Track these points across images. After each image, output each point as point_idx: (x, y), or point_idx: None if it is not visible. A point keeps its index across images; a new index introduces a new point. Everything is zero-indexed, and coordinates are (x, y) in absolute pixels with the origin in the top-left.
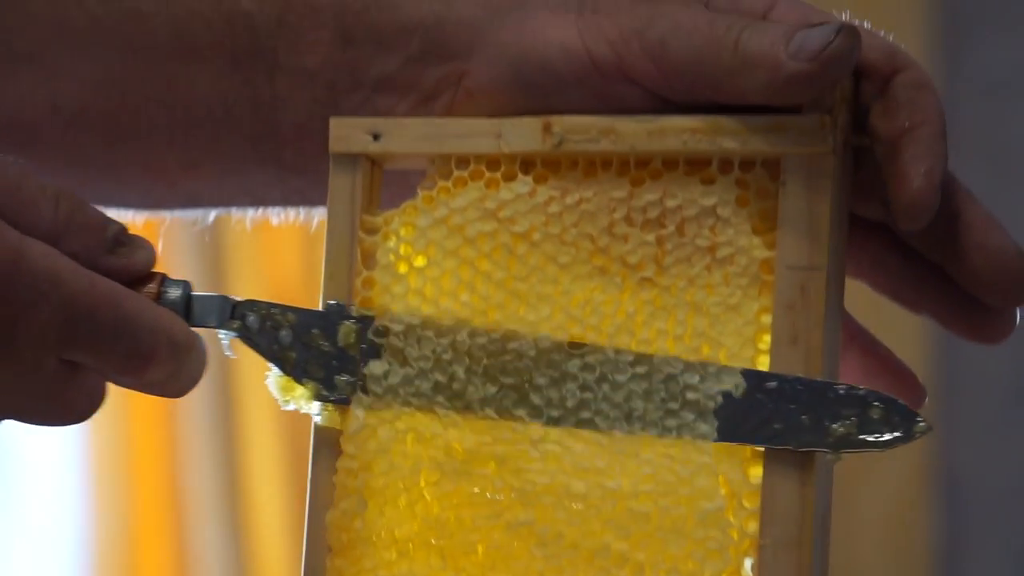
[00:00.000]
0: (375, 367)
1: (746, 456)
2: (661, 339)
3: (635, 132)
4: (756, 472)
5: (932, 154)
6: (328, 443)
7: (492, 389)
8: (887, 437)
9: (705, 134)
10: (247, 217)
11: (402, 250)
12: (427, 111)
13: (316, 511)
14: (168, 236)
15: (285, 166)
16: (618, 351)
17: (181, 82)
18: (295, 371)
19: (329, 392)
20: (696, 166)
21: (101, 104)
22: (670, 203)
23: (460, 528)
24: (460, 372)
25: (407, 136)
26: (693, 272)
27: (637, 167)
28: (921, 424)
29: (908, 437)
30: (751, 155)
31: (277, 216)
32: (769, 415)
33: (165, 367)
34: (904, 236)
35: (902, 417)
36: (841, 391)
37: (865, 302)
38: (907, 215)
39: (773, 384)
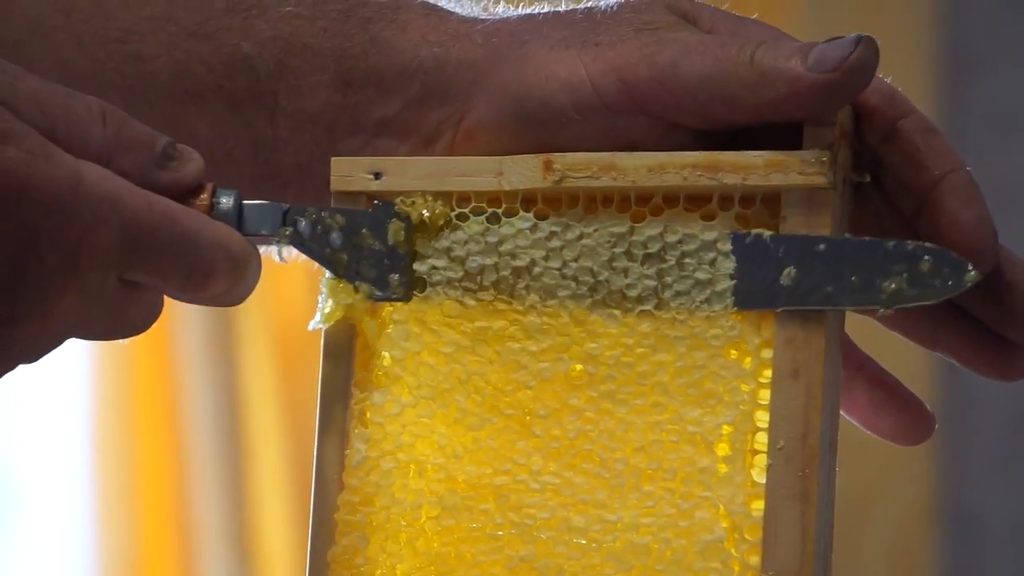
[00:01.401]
0: (423, 265)
1: (748, 488)
2: (660, 371)
3: (636, 168)
4: (758, 505)
5: (977, 200)
6: (329, 480)
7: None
8: (938, 286)
9: (705, 169)
10: None
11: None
12: (427, 153)
13: (318, 549)
14: None
15: None
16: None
17: (182, 124)
18: (348, 273)
19: (382, 292)
20: (697, 202)
21: None
22: (671, 238)
23: (461, 564)
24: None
25: (408, 175)
26: (693, 305)
27: (638, 203)
28: (971, 272)
29: (959, 286)
30: (751, 191)
31: (277, 256)
32: (820, 278)
33: (224, 281)
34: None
35: (952, 267)
36: (890, 247)
37: (872, 332)
38: (973, 261)
39: (822, 247)
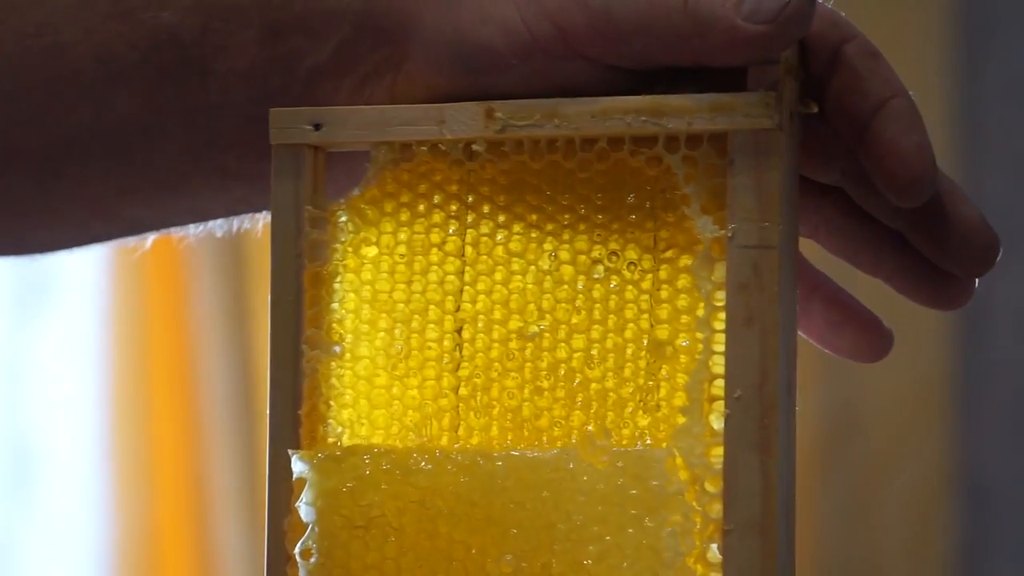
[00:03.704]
0: None
1: (707, 439)
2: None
3: (579, 114)
4: (718, 453)
5: (917, 128)
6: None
7: None
8: None
9: (649, 114)
10: (189, 234)
11: (350, 242)
12: (367, 95)
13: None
14: (187, 253)
15: (229, 174)
16: None
17: (112, 107)
18: None
19: None
20: (644, 143)
21: (30, 144)
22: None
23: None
24: None
25: (349, 124)
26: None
27: (583, 147)
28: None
29: None
30: (697, 133)
31: (220, 229)
32: None
33: None
34: (860, 202)
35: None
36: None
37: (881, 297)
38: (907, 192)
39: None
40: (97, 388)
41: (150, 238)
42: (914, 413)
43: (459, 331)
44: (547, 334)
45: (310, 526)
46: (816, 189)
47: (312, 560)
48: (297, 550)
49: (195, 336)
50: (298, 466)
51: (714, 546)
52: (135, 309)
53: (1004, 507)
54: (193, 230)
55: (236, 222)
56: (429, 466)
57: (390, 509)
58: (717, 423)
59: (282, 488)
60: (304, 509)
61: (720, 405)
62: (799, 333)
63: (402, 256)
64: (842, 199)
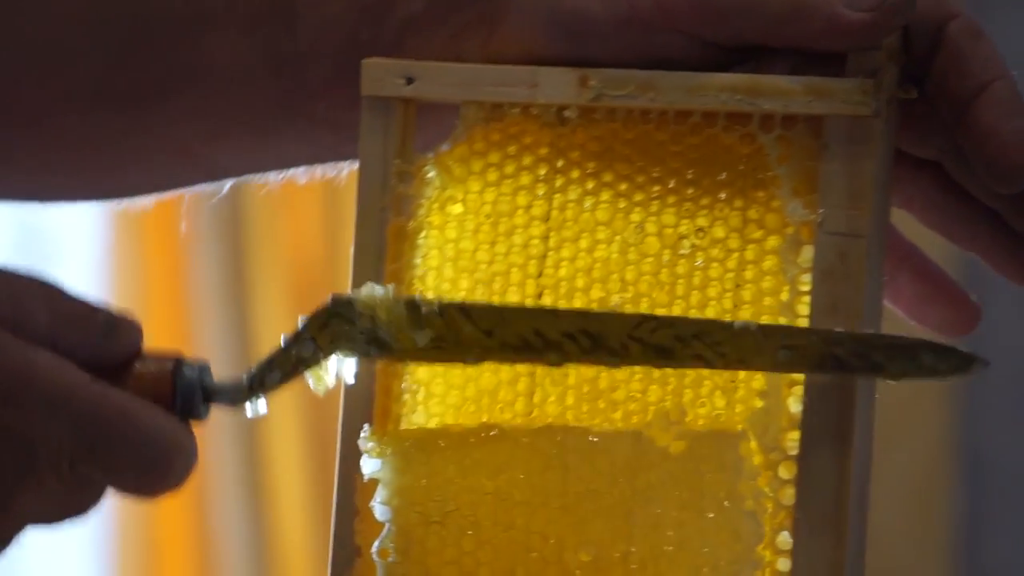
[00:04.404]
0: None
1: (783, 424)
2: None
3: (674, 88)
4: (794, 437)
5: (1018, 113)
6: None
7: None
8: (944, 372)
9: (745, 93)
10: (272, 180)
11: (436, 198)
12: (459, 51)
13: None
14: (188, 212)
15: (317, 123)
16: None
17: (200, 50)
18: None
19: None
20: (738, 119)
21: (118, 85)
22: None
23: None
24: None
25: (441, 81)
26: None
27: (676, 120)
28: (978, 363)
29: (965, 373)
30: (792, 114)
31: (304, 176)
32: None
33: (177, 479)
34: (957, 178)
35: (958, 360)
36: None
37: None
38: (1005, 179)
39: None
40: None
41: (227, 185)
42: (914, 388)
43: (539, 296)
44: (629, 306)
45: (386, 525)
46: (912, 161)
47: (390, 559)
48: (374, 549)
49: (194, 305)
50: (370, 465)
51: (784, 533)
52: (134, 279)
53: (1004, 481)
54: (275, 177)
55: (320, 170)
56: (502, 457)
57: (465, 503)
58: (795, 407)
59: (351, 464)
60: (379, 508)
61: (799, 390)
62: (886, 304)
63: (487, 216)
64: (938, 173)
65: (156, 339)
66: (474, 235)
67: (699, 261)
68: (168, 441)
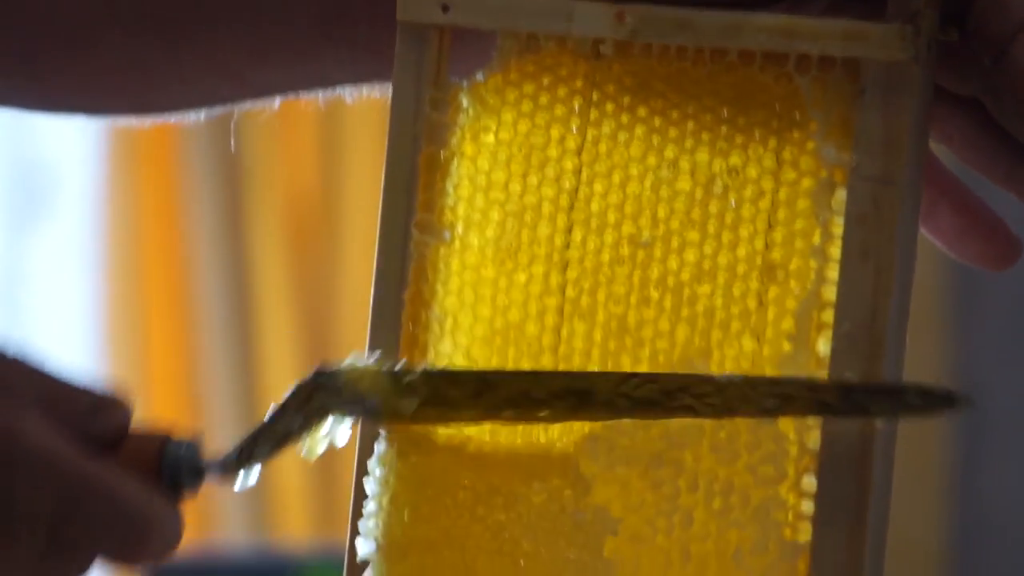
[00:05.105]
0: None
1: (812, 368)
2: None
3: (710, 27)
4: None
5: None
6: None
7: None
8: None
9: (782, 35)
10: (268, 107)
11: (469, 128)
12: None
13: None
14: (185, 148)
15: (359, 46)
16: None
17: None
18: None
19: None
20: (774, 60)
21: (161, 7)
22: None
23: None
24: None
25: (477, 10)
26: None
27: (713, 58)
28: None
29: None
30: (829, 57)
31: (351, 95)
32: None
33: (156, 553)
34: (996, 116)
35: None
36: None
37: None
38: None
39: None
40: (92, 294)
41: (278, 101)
42: (911, 328)
43: (570, 230)
44: (659, 243)
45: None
46: (952, 99)
47: None
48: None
49: (189, 237)
50: (364, 548)
51: (809, 476)
52: (129, 210)
53: (998, 416)
54: (323, 95)
55: (366, 89)
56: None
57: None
58: (824, 350)
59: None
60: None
61: (828, 334)
62: (926, 234)
63: (520, 148)
64: (978, 111)
65: (151, 274)
66: (506, 166)
67: (731, 200)
68: (148, 515)
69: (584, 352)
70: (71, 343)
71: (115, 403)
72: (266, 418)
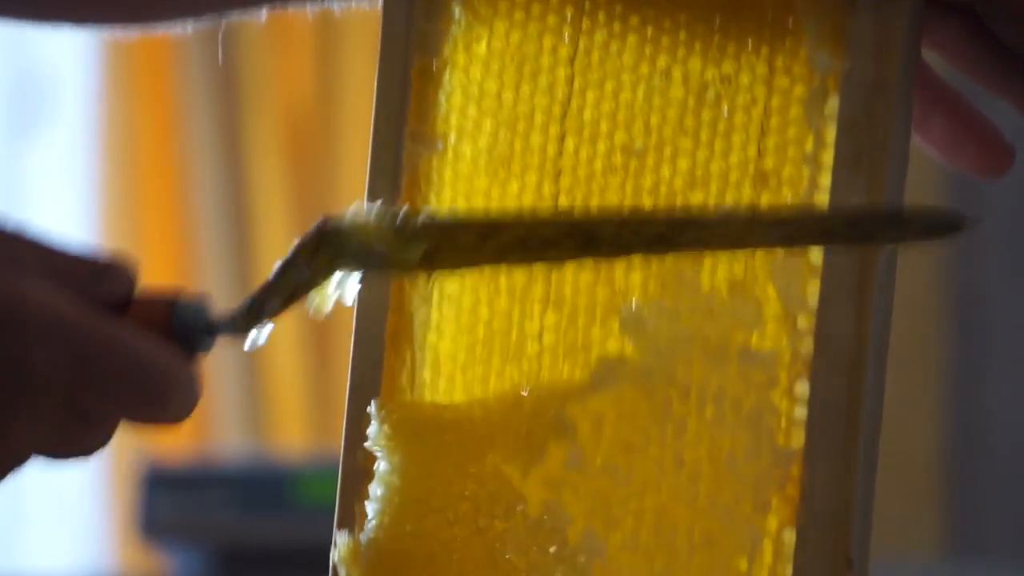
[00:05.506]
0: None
1: (804, 274)
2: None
3: None
4: (814, 289)
5: None
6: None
7: None
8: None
9: None
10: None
11: (461, 37)
12: None
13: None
14: (182, 58)
15: None
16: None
17: None
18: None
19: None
20: None
21: None
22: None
23: None
24: None
25: None
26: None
27: None
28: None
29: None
30: None
31: (339, 6)
32: None
33: (176, 408)
34: (989, 24)
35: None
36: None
37: None
38: None
39: None
40: (89, 203)
41: (265, 12)
42: None
43: (563, 139)
44: (652, 152)
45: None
46: (944, 5)
47: None
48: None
49: (185, 146)
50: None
51: (802, 383)
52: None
53: (996, 320)
54: (311, 7)
55: (356, 1)
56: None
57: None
58: (816, 258)
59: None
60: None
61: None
62: (919, 142)
63: (512, 57)
64: (970, 18)
65: (148, 183)
66: (499, 76)
67: (724, 109)
68: (165, 368)
69: (584, 197)
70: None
71: (119, 267)
72: (272, 274)
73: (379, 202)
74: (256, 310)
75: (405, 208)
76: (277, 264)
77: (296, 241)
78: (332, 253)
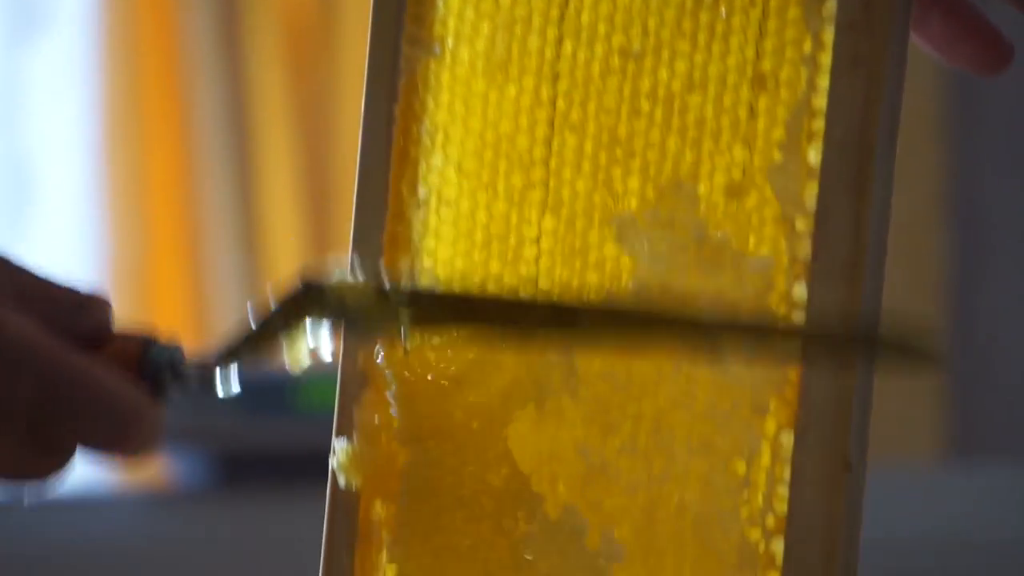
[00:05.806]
0: None
1: (802, 177)
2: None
3: None
4: (812, 192)
5: None
6: None
7: None
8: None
9: None
10: None
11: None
12: None
13: None
14: None
15: None
16: None
17: None
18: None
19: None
20: None
21: None
22: None
23: None
24: None
25: None
26: None
27: None
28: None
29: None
30: None
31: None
32: None
33: (138, 445)
34: None
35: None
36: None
37: None
38: None
39: None
40: (89, 112)
41: None
42: (907, 142)
43: (560, 42)
44: (649, 55)
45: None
46: None
47: None
48: None
49: (186, 69)
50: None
51: (800, 285)
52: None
53: (996, 230)
54: None
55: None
56: None
57: None
58: (814, 159)
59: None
60: None
61: (819, 144)
62: (917, 41)
63: None
64: None
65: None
66: None
67: (722, 11)
68: (129, 406)
69: (574, 164)
70: (67, 159)
71: (97, 301)
72: (252, 325)
73: (360, 264)
74: (228, 360)
75: (387, 272)
76: (254, 318)
77: (278, 297)
78: (313, 315)
